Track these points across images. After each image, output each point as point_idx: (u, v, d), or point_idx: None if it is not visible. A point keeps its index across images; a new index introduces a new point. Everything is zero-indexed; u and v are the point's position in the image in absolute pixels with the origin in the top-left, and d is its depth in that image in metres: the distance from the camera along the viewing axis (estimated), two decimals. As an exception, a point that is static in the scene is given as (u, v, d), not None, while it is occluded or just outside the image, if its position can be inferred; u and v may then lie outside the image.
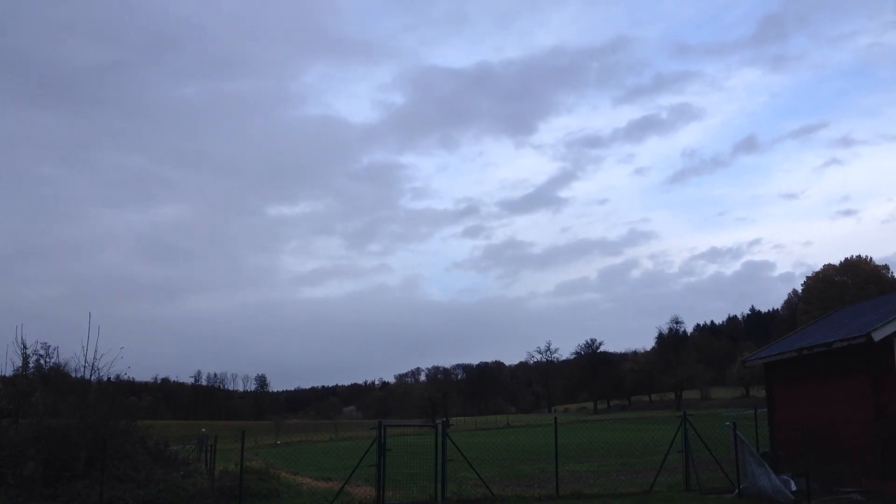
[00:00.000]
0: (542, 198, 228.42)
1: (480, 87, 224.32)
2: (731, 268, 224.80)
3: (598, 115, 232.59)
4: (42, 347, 21.68)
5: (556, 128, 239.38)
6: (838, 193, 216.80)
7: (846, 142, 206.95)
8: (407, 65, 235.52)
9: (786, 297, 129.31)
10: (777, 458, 18.27)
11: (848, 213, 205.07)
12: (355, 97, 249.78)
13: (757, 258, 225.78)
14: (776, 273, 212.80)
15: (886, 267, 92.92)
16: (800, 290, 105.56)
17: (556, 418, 22.23)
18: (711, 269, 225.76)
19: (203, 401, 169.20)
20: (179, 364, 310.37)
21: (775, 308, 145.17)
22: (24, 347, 20.43)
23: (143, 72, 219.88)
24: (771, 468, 15.88)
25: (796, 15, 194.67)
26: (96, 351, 19.34)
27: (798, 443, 16.21)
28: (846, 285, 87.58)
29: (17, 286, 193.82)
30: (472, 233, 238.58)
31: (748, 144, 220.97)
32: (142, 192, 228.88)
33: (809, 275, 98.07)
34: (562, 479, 18.00)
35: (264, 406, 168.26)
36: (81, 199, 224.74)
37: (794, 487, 15.17)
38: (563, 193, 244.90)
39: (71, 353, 20.33)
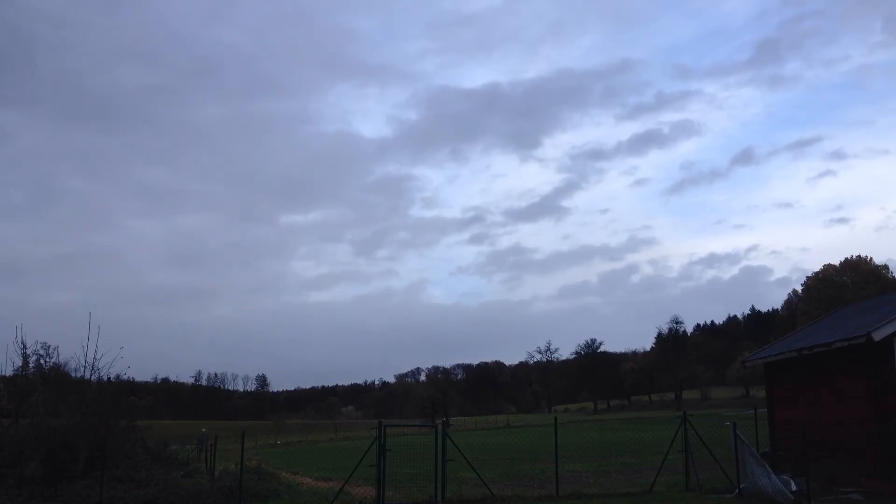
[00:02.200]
0: (546, 207, 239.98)
1: (490, 105, 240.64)
2: (729, 272, 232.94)
3: (602, 131, 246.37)
4: (42, 347, 21.67)
5: (561, 143, 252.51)
6: (832, 203, 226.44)
7: (839, 155, 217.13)
8: (422, 85, 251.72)
9: (785, 298, 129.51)
10: (777, 458, 18.25)
11: (842, 220, 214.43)
12: (371, 114, 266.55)
13: (754, 263, 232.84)
14: (773, 278, 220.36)
15: (886, 267, 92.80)
16: (800, 291, 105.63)
17: (556, 418, 22.22)
18: (710, 273, 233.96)
19: (203, 401, 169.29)
20: (180, 364, 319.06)
21: (775, 308, 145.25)
22: (24, 347, 20.44)
23: (178, 94, 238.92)
24: (771, 468, 15.88)
25: (790, 41, 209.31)
26: (96, 351, 19.40)
27: (798, 443, 16.21)
28: (846, 285, 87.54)
29: (47, 291, 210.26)
30: (477, 240, 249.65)
31: (745, 157, 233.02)
32: (163, 202, 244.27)
33: (809, 275, 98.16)
34: (562, 479, 18.00)
35: (264, 406, 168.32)
36: (108, 210, 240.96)
37: (794, 487, 15.17)
38: (567, 203, 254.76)
39: (71, 353, 20.38)
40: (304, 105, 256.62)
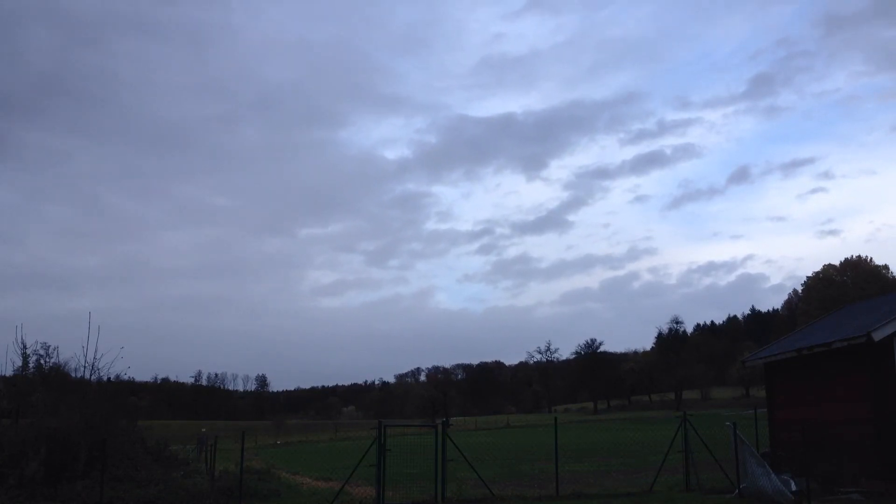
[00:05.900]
0: (552, 221, 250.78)
1: (503, 131, 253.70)
2: (727, 279, 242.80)
3: (607, 153, 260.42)
4: (42, 347, 21.68)
5: (568, 164, 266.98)
6: (823, 216, 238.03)
7: (829, 173, 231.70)
8: (442, 114, 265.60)
9: (785, 299, 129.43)
10: (777, 458, 18.25)
11: (832, 232, 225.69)
12: (395, 139, 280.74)
13: (751, 271, 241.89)
14: (768, 285, 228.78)
15: (886, 267, 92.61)
16: (800, 291, 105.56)
17: (556, 418, 22.24)
18: (707, 280, 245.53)
19: (203, 401, 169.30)
20: (180, 364, 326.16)
21: (775, 308, 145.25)
22: (24, 347, 20.45)
23: (229, 123, 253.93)
24: (771, 468, 15.88)
25: (783, 77, 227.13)
26: (96, 351, 19.42)
27: (798, 443, 16.21)
28: (846, 285, 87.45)
29: (70, 298, 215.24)
30: (485, 250, 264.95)
31: (741, 175, 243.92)
32: (193, 216, 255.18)
33: (809, 275, 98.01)
34: (562, 479, 18.01)
35: (264, 406, 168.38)
36: (142, 223, 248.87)
37: (794, 487, 15.17)
38: (572, 217, 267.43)
39: (71, 353, 20.40)
40: (335, 131, 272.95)
